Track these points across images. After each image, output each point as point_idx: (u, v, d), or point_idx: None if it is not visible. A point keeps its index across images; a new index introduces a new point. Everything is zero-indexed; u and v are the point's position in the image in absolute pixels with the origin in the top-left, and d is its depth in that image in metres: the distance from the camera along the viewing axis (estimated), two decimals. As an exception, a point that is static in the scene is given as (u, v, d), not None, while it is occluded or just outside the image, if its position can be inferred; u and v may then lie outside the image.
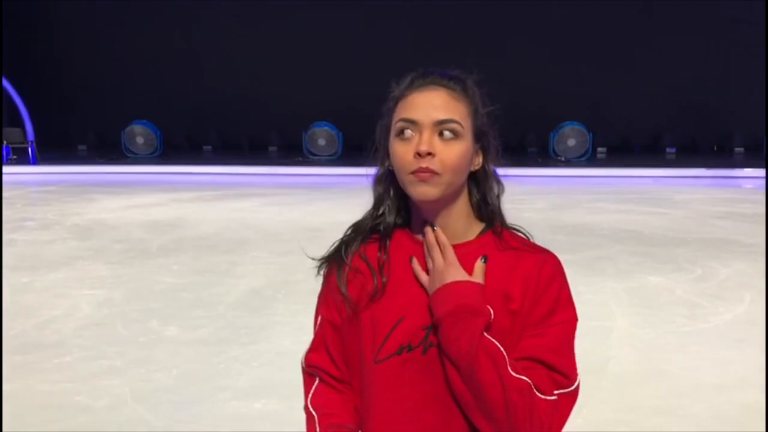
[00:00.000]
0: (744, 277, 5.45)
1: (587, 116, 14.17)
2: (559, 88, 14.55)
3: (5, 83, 14.22)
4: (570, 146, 14.28)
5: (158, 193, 10.65)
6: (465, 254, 1.17)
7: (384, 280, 1.20)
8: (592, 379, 3.57)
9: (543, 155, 14.53)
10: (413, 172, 1.12)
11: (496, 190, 1.23)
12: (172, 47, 15.92)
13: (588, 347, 4.01)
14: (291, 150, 15.53)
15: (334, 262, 1.27)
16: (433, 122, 1.12)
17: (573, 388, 1.12)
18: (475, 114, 1.17)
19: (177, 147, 16.13)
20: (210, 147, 16.32)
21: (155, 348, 4.03)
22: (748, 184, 11.77)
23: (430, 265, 1.17)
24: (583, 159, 14.21)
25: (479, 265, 1.15)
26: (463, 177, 1.17)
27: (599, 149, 14.60)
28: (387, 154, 1.20)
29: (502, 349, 1.09)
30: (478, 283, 1.13)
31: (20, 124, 14.55)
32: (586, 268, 5.68)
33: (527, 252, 1.19)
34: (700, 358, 3.85)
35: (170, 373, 3.67)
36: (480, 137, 1.19)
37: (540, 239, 1.26)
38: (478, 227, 1.22)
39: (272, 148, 15.87)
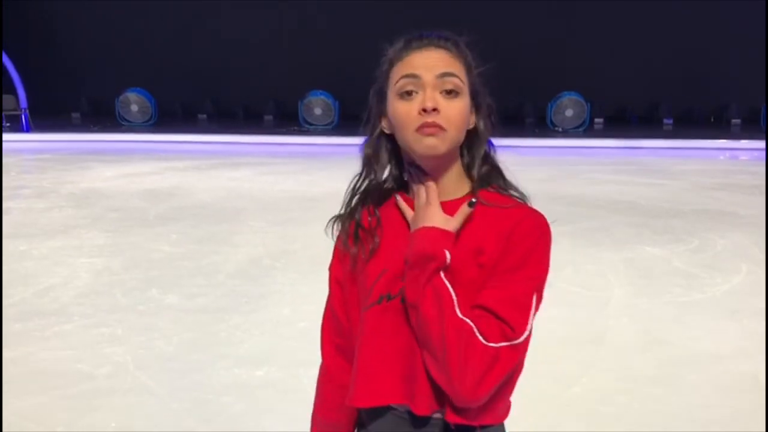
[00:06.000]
0: (740, 247, 5.48)
1: (585, 87, 14.09)
2: (556, 59, 14.45)
3: (-3, 49, 14.02)
4: (567, 117, 14.22)
5: (153, 162, 10.59)
6: (452, 210, 1.19)
7: (377, 240, 1.24)
8: (589, 349, 3.61)
9: (540, 126, 14.47)
10: (419, 129, 1.14)
11: (486, 150, 1.25)
12: (167, 14, 15.70)
13: (585, 317, 4.04)
14: (287, 119, 15.42)
15: (340, 221, 1.32)
16: (435, 75, 1.14)
17: (518, 341, 1.11)
18: (469, 73, 1.19)
19: (172, 115, 16.00)
20: (205, 115, 16.19)
21: (155, 316, 4.04)
22: (745, 156, 11.78)
23: (416, 203, 1.21)
24: (581, 130, 14.17)
25: (463, 208, 1.17)
26: (464, 134, 1.19)
27: (596, 120, 14.55)
28: (380, 118, 1.23)
29: (451, 290, 1.12)
30: (440, 229, 1.14)
31: (13, 92, 14.38)
32: (583, 239, 5.70)
33: (510, 210, 1.20)
34: (696, 328, 3.89)
35: (171, 341, 3.69)
36: (475, 95, 1.21)
37: (537, 209, 1.26)
38: (468, 185, 1.24)
39: (268, 117, 15.73)
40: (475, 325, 1.10)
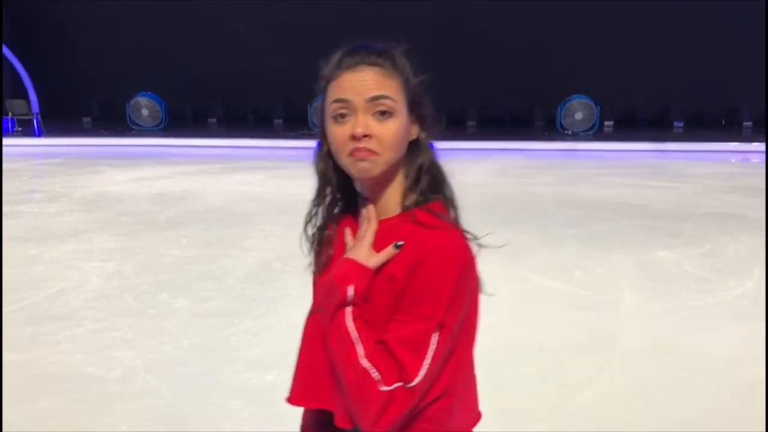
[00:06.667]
0: (752, 251, 5.43)
1: (594, 90, 14.05)
2: (566, 62, 14.42)
3: (9, 54, 14.11)
4: (577, 120, 14.19)
5: (164, 166, 10.64)
6: (387, 229, 1.19)
7: (330, 252, 1.28)
8: (601, 353, 3.59)
9: (550, 129, 14.44)
10: (350, 154, 1.14)
11: (428, 161, 1.21)
12: (177, 19, 15.78)
13: (596, 321, 4.02)
14: (296, 123, 15.45)
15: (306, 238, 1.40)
16: (365, 99, 1.13)
17: (412, 384, 1.08)
18: (406, 86, 1.17)
19: (182, 119, 16.08)
20: (215, 119, 16.26)
21: (166, 320, 4.05)
22: (756, 159, 11.70)
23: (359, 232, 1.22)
24: (591, 133, 14.12)
25: (388, 249, 1.15)
26: (402, 151, 1.18)
27: (606, 123, 14.50)
28: (325, 134, 1.22)
29: (351, 331, 1.11)
30: (355, 263, 1.15)
31: (25, 96, 14.48)
32: (593, 242, 5.67)
33: (428, 234, 1.15)
34: (709, 332, 3.86)
35: (181, 344, 3.70)
36: (414, 107, 1.18)
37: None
38: (409, 200, 1.21)
39: (277, 121, 15.78)
40: (374, 364, 1.09)
